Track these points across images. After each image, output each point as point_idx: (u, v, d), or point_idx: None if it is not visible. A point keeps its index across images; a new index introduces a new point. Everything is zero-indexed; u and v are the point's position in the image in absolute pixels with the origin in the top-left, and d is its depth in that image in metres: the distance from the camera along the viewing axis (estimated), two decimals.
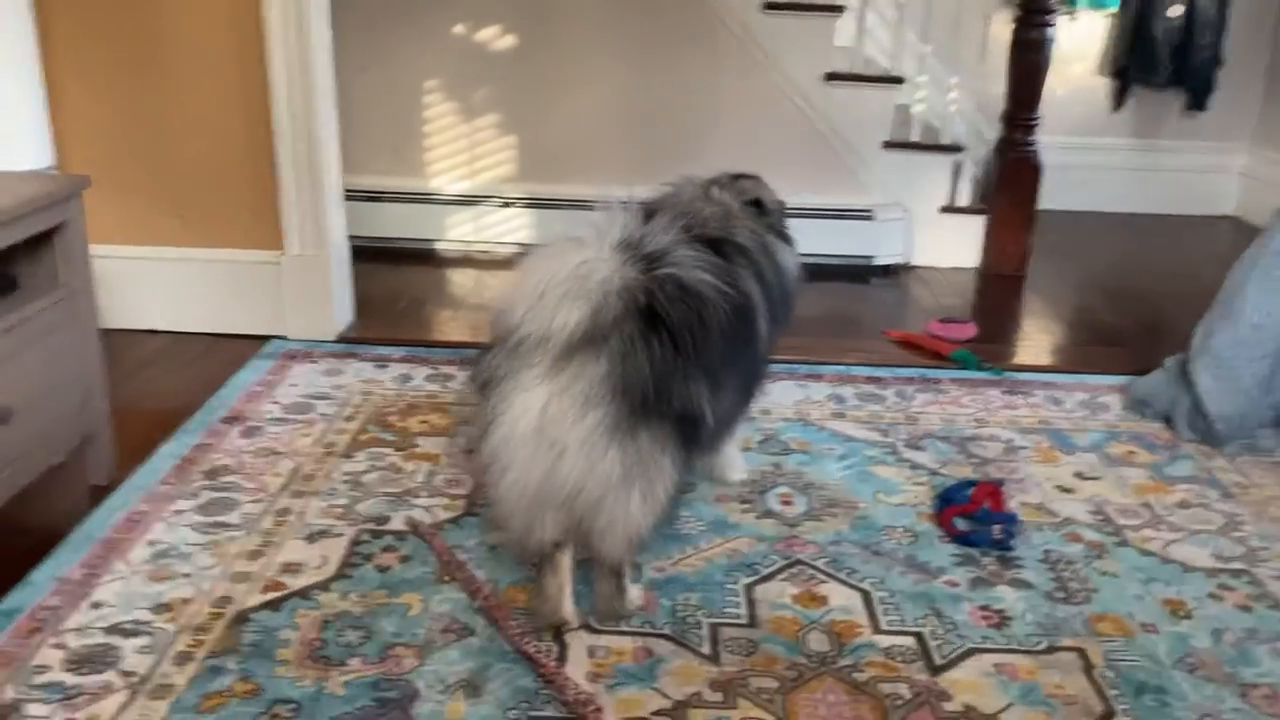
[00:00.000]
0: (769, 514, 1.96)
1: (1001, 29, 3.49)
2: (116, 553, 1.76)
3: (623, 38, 3.50)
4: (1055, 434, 2.34)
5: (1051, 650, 1.60)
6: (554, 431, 1.44)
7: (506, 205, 3.61)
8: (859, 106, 3.51)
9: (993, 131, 3.66)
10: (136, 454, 2.11)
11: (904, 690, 1.50)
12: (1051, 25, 3.40)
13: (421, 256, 3.60)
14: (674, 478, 1.54)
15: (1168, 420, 2.37)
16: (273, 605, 1.64)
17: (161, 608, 1.63)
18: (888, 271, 3.59)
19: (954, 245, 3.62)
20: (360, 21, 3.49)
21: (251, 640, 1.56)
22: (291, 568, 1.74)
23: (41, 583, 1.68)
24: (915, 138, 3.58)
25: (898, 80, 3.52)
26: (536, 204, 3.56)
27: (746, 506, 1.99)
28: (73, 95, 2.60)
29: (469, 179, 3.66)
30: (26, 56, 2.21)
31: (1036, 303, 3.37)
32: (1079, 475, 2.15)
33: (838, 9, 3.45)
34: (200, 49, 2.56)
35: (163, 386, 2.49)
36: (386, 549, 1.81)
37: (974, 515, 1.90)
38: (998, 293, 3.48)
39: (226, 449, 2.14)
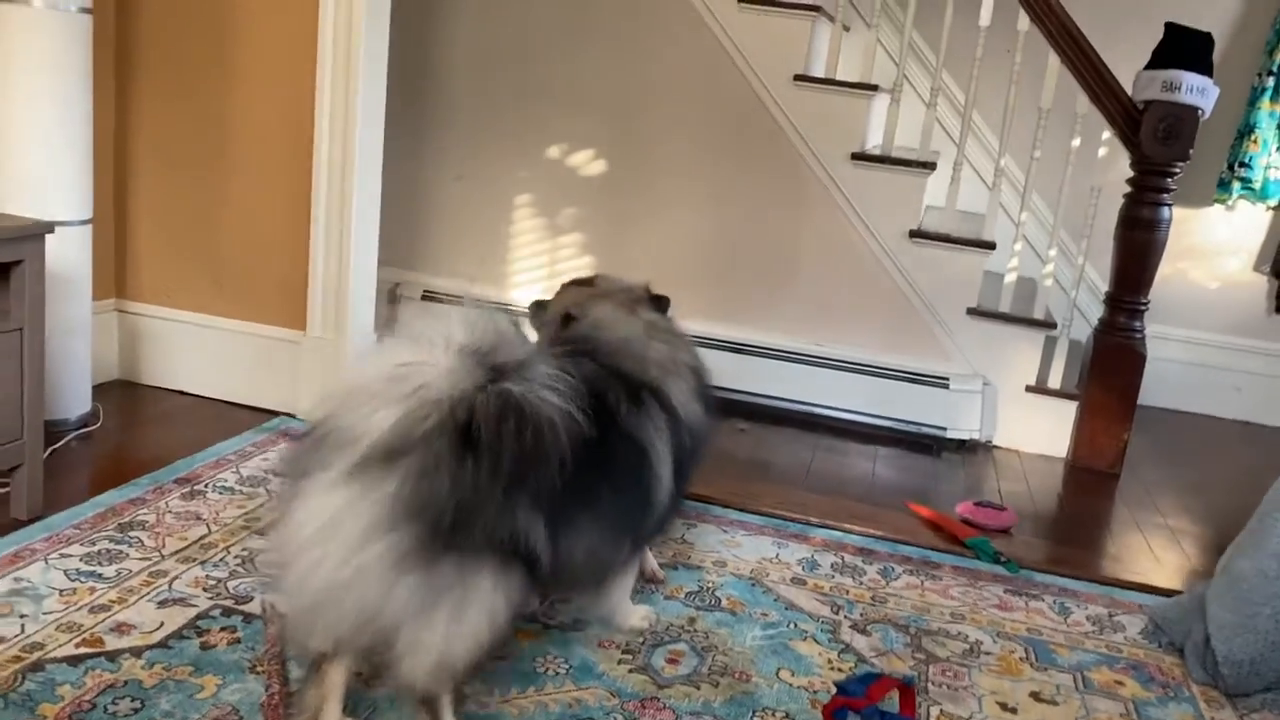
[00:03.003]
0: (644, 669, 1.77)
1: (1112, 203, 3.22)
2: None
3: (710, 175, 3.47)
4: (1037, 645, 2.02)
5: None
6: (338, 549, 1.31)
7: None
8: (945, 268, 3.31)
9: (1095, 312, 3.35)
10: (78, 497, 2.17)
11: None
12: (1168, 205, 3.11)
13: None
14: (500, 606, 1.38)
15: (1183, 653, 2.01)
16: (74, 660, 1.60)
17: None
18: (962, 447, 3.30)
19: (1041, 429, 3.30)
20: (463, 135, 3.65)
21: (27, 690, 1.52)
22: (124, 628, 1.70)
23: None
24: (1005, 308, 3.32)
25: (989, 245, 3.30)
26: None
27: (626, 657, 1.80)
28: (144, 166, 2.82)
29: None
30: (79, 123, 2.40)
31: (1120, 507, 2.99)
32: (1035, 695, 1.83)
33: (929, 166, 3.30)
34: (260, 139, 2.72)
35: (156, 444, 2.57)
36: (225, 628, 1.74)
37: (862, 712, 1.64)
38: (1079, 488, 3.11)
39: (157, 507, 2.16)
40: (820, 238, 3.40)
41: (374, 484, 1.29)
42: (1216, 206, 3.95)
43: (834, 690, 1.73)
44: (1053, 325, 3.30)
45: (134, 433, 2.62)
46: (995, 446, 3.34)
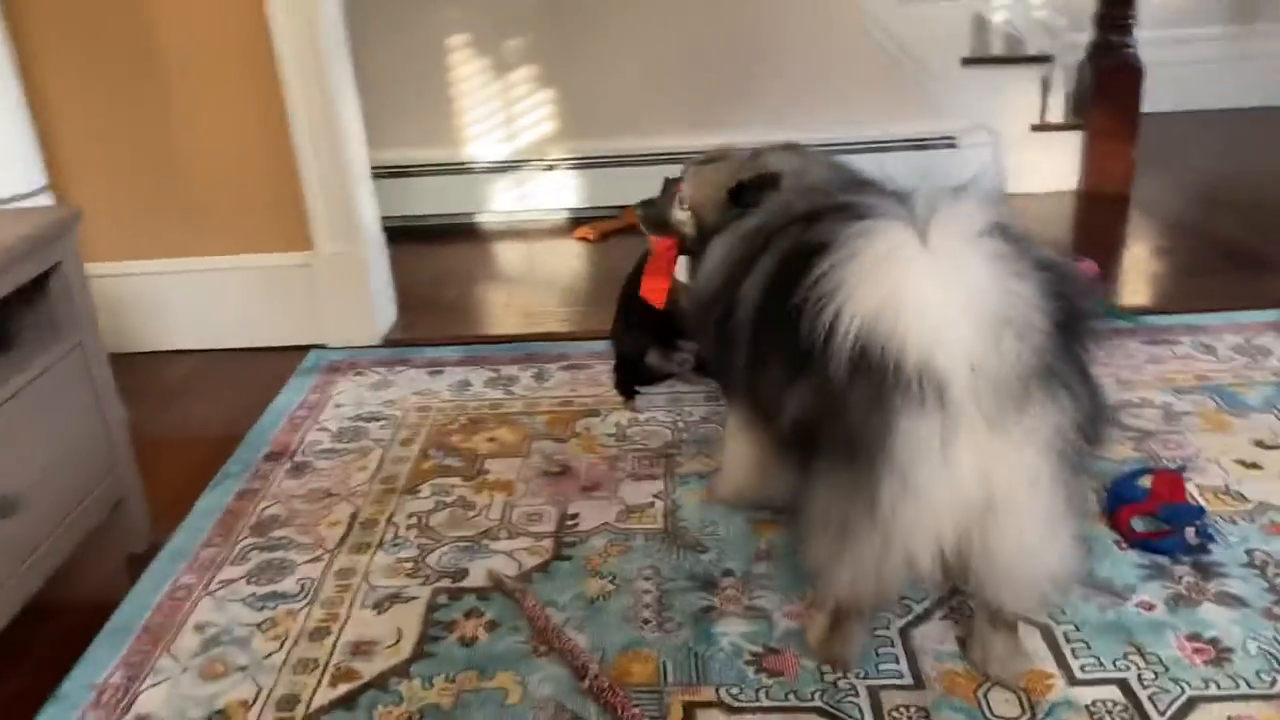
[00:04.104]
0: None
1: None
2: (160, 645, 1.52)
3: None
4: (1218, 391, 2.02)
5: None
6: (1010, 495, 1.14)
7: (551, 168, 3.30)
8: (932, 22, 3.14)
9: (1085, 36, 3.25)
10: (175, 508, 1.86)
11: None
12: None
13: (462, 233, 3.32)
14: None
15: None
16: (347, 702, 1.38)
17: (218, 716, 1.38)
18: None
19: (1049, 167, 3.26)
20: None
21: None
22: (363, 648, 1.48)
23: (76, 694, 1.43)
24: (997, 51, 3.20)
25: None
26: (585, 164, 3.25)
27: None
28: (63, 110, 2.32)
29: (507, 143, 3.34)
30: (5, 74, 1.92)
31: (1149, 225, 3.02)
32: (1260, 444, 1.83)
33: None
34: (197, 38, 2.26)
35: (197, 418, 2.24)
36: (469, 613, 1.54)
37: (1154, 514, 1.60)
38: (1103, 216, 3.12)
39: (274, 494, 1.89)
40: (798, 18, 3.15)
41: (1041, 414, 1.12)
42: None
43: (1106, 497, 1.67)
44: (1049, 59, 3.20)
45: (169, 412, 2.27)
46: (1009, 194, 3.29)
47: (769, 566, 1.59)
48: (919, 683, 1.35)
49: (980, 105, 3.21)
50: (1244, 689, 1.31)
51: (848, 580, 1.23)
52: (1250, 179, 3.33)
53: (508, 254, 3.17)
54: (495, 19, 3.21)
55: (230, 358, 2.48)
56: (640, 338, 2.10)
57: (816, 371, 1.14)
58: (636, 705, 1.33)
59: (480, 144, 3.34)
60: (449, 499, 1.83)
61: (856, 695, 1.34)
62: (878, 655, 1.40)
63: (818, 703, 1.33)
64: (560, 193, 3.30)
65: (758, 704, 1.34)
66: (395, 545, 1.71)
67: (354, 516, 1.80)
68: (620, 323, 2.13)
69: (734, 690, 1.36)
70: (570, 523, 1.74)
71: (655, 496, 1.80)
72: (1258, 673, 1.33)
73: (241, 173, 2.36)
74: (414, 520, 1.78)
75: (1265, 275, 2.59)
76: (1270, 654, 1.36)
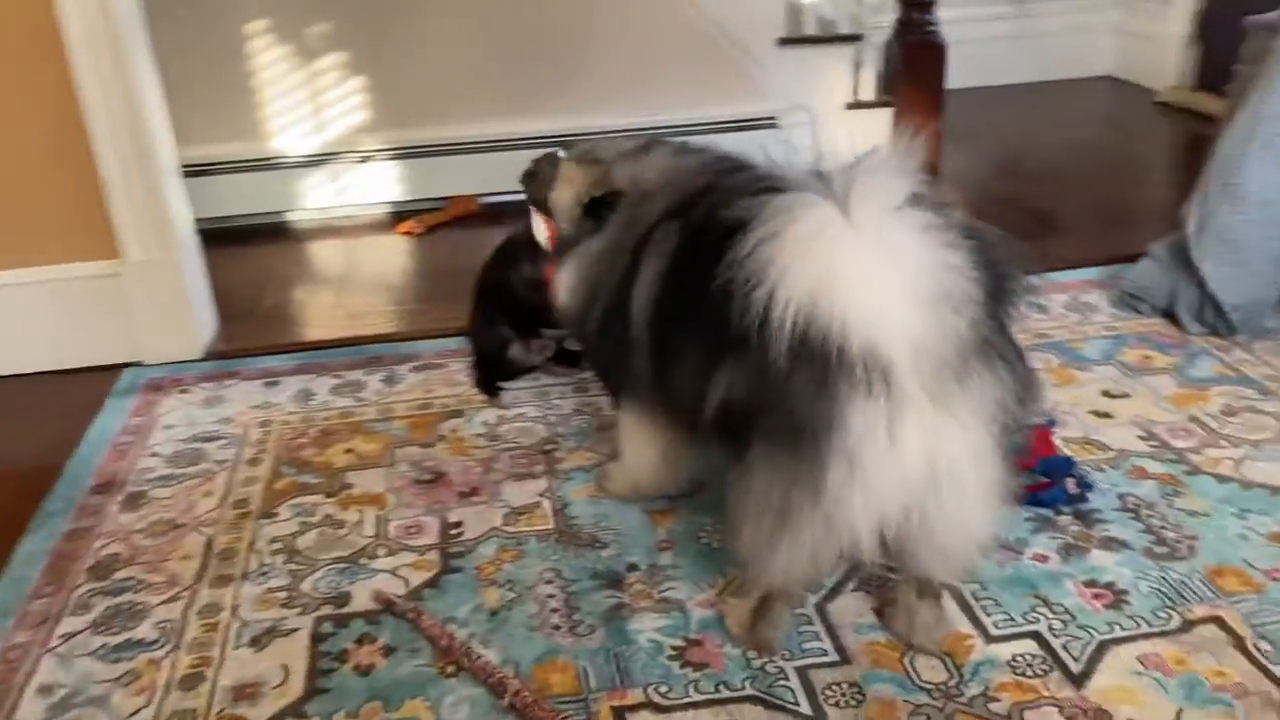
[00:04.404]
0: None
1: None
2: None
3: None
4: (1059, 348, 2.12)
5: (1187, 626, 1.36)
6: (954, 471, 1.13)
7: (367, 160, 3.12)
8: (748, 3, 3.16)
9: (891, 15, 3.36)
10: None
11: (1057, 718, 1.24)
12: None
13: (275, 233, 3.09)
14: None
15: (1167, 314, 2.19)
16: None
17: None
18: None
19: (863, 143, 3.34)
20: None
21: None
22: (247, 691, 1.34)
23: None
24: (811, 30, 3.26)
25: None
26: (404, 154, 3.09)
27: None
28: None
29: (317, 134, 3.13)
30: None
31: (959, 197, 3.15)
32: (1108, 394, 1.93)
33: None
34: None
35: (1, 453, 1.98)
36: (360, 640, 1.41)
37: (1033, 469, 1.65)
38: None
39: (109, 531, 1.68)
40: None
41: (977, 388, 1.11)
42: None
43: None
44: (859, 38, 3.29)
45: None
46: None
47: (673, 556, 1.55)
48: (845, 658, 1.34)
49: (798, 85, 3.26)
50: (1145, 628, 1.36)
51: (784, 564, 1.20)
52: (1044, 148, 3.54)
53: (327, 253, 2.99)
54: (297, 4, 3.00)
55: (30, 383, 2.21)
56: (499, 331, 2.01)
57: (750, 355, 1.10)
58: (564, 717, 1.25)
59: (288, 137, 3.11)
60: (314, 519, 1.69)
61: (787, 678, 1.31)
62: (800, 634, 1.38)
63: (750, 690, 1.29)
64: (379, 185, 3.13)
65: (689, 699, 1.29)
66: (262, 574, 1.56)
67: (208, 547, 1.63)
68: (477, 317, 2.03)
69: (662, 689, 1.30)
70: (454, 532, 1.63)
71: (540, 495, 1.71)
72: (1154, 611, 1.39)
73: (31, 175, 2.10)
74: (278, 545, 1.62)
75: (1073, 237, 2.75)
76: (1160, 592, 1.42)
